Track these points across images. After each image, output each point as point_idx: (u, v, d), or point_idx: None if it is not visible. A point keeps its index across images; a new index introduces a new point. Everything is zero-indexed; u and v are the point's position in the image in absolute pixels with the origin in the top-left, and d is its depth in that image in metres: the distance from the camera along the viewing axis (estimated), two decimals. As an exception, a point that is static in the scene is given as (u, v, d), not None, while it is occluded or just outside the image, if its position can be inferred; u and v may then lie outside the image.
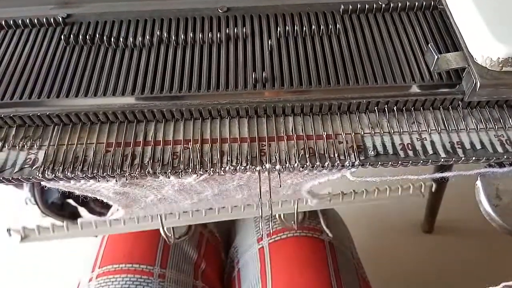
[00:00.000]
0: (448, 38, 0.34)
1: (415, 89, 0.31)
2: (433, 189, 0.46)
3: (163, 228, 0.43)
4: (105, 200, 0.35)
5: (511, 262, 0.96)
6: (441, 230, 1.07)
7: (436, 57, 0.29)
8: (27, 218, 0.65)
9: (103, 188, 0.33)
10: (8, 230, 0.55)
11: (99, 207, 0.70)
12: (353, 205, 0.46)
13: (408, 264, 1.01)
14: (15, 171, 0.29)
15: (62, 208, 0.70)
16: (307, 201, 0.45)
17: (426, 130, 0.31)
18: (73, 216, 0.73)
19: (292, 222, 0.50)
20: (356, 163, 0.29)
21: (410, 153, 0.30)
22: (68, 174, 0.29)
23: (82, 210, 0.73)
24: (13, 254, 1.04)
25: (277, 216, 0.52)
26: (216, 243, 0.61)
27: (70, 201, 0.71)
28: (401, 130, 0.31)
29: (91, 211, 0.70)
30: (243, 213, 0.44)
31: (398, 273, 0.99)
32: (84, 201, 0.65)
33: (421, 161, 0.30)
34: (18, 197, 0.68)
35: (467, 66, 0.30)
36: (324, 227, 0.56)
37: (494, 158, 0.30)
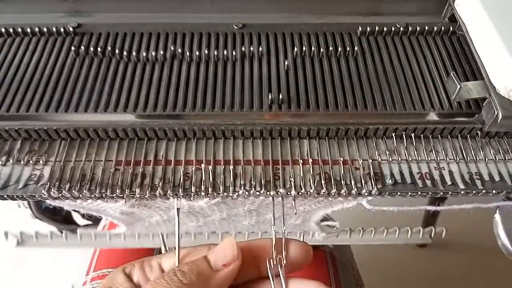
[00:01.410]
0: (467, 64, 0.34)
1: (433, 117, 0.31)
2: (443, 236, 0.46)
3: (165, 247, 0.41)
4: (109, 219, 0.34)
5: (503, 277, 0.97)
6: (435, 244, 1.07)
7: (458, 86, 0.29)
8: (18, 220, 0.64)
9: (110, 208, 0.32)
10: (6, 233, 0.53)
11: (94, 214, 0.69)
12: (360, 243, 0.46)
13: (404, 276, 1.02)
14: (19, 187, 0.28)
15: (55, 213, 0.68)
16: (313, 234, 0.44)
17: (444, 159, 0.30)
18: (66, 220, 0.72)
19: None
20: (374, 191, 0.28)
21: (428, 182, 0.29)
22: (75, 193, 0.28)
23: (75, 215, 0.72)
24: (6, 258, 1.02)
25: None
26: None
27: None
28: (419, 158, 0.30)
29: (84, 215, 0.69)
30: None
31: (394, 285, 0.99)
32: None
33: (440, 192, 0.29)
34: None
35: (488, 96, 0.29)
36: None
37: (514, 192, 0.29)
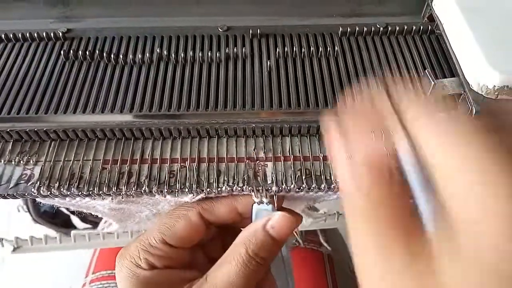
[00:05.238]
0: (445, 62, 0.35)
1: (411, 113, 0.32)
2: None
3: None
4: (99, 215, 0.35)
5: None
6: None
7: (432, 83, 0.30)
8: (19, 224, 0.65)
9: (99, 205, 0.33)
10: (1, 240, 0.54)
11: (92, 216, 0.70)
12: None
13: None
14: (10, 186, 0.29)
15: (55, 216, 0.69)
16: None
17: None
18: (66, 224, 0.73)
19: (294, 241, 0.50)
20: (352, 186, 0.29)
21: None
22: (64, 191, 0.29)
23: (74, 219, 0.73)
24: (3, 259, 1.03)
25: None
26: None
27: (63, 209, 0.70)
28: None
29: (84, 219, 0.70)
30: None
31: None
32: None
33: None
34: (11, 204, 0.67)
35: (463, 92, 0.30)
36: (323, 240, 0.56)
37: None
